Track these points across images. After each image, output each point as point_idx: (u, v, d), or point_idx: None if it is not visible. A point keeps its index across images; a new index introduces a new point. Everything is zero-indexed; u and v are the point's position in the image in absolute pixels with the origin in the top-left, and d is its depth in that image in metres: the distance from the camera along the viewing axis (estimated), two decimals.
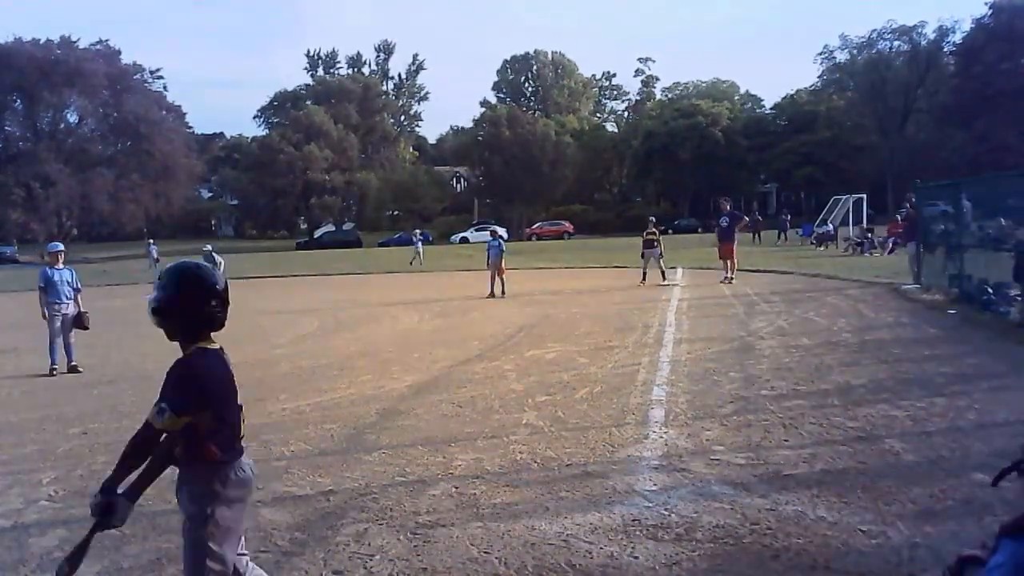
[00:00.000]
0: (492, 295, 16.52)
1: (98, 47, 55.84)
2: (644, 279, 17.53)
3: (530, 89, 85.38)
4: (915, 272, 15.12)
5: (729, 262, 17.02)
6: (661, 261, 17.91)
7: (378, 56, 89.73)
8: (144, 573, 3.70)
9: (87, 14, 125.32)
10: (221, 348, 2.65)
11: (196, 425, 2.43)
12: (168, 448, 2.48)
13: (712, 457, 4.97)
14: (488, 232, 20.18)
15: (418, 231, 37.81)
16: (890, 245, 24.62)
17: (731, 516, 3.99)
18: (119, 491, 2.39)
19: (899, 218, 25.86)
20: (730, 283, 16.30)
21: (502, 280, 16.80)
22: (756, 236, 35.21)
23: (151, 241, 38.92)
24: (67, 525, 4.32)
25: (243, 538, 2.73)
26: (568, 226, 58.81)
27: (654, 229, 17.83)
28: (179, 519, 4.31)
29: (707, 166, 61.18)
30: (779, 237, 35.99)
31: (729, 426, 5.68)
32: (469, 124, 73.72)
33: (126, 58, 57.33)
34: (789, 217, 40.33)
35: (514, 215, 63.62)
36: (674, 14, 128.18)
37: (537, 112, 76.56)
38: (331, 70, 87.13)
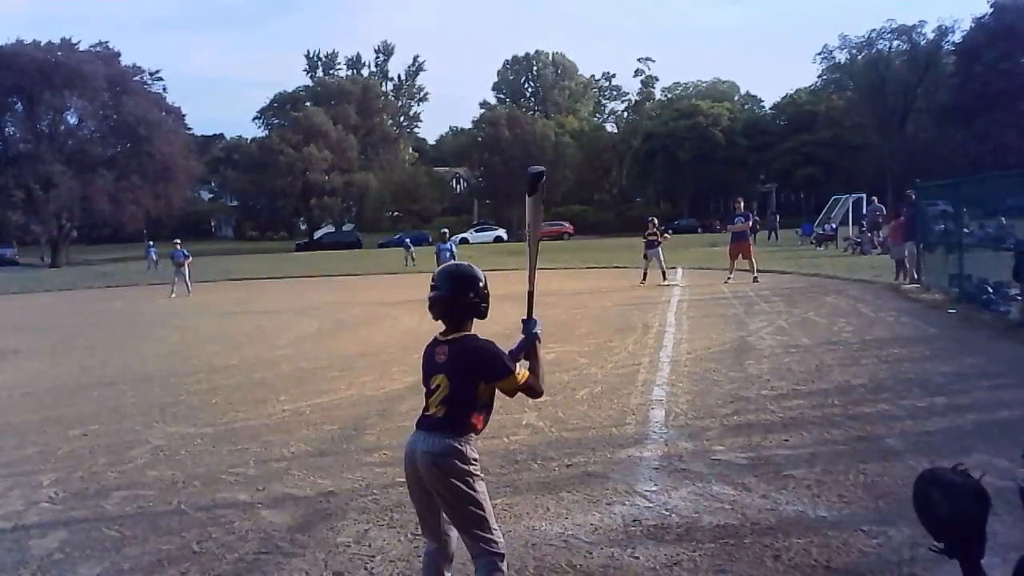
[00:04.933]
0: None
1: (98, 49, 55.88)
2: (644, 279, 17.54)
3: (530, 90, 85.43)
4: (901, 271, 15.14)
5: (748, 261, 17.03)
6: (662, 261, 17.93)
7: (378, 57, 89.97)
8: (145, 575, 3.71)
9: (86, 14, 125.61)
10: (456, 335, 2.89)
11: None
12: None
13: (712, 457, 4.97)
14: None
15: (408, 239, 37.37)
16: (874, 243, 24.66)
17: (731, 516, 4.00)
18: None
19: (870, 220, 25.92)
20: (756, 282, 16.25)
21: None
22: (754, 237, 35.22)
23: (151, 243, 38.89)
24: (67, 527, 4.33)
25: (428, 519, 2.92)
26: (568, 227, 58.86)
27: (655, 229, 17.89)
28: (179, 521, 4.34)
29: (707, 166, 61.22)
30: (769, 237, 35.96)
31: (729, 426, 5.68)
32: (469, 125, 73.87)
33: (126, 59, 57.45)
34: (778, 217, 40.34)
35: (514, 216, 63.61)
36: (674, 14, 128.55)
37: (537, 113, 76.59)
38: (331, 71, 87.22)
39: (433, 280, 2.88)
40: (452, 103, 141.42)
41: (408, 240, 35.13)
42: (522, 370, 2.84)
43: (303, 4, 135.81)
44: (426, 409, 2.84)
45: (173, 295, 20.81)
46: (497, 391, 2.85)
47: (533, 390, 2.89)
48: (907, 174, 38.23)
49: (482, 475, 2.83)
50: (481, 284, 2.87)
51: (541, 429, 5.84)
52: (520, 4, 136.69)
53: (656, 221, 18.49)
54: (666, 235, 18.29)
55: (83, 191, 51.33)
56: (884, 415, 5.78)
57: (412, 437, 2.84)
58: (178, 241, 23.12)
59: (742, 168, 62.90)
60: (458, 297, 2.84)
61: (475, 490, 2.76)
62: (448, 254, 16.97)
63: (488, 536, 2.76)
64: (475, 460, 2.79)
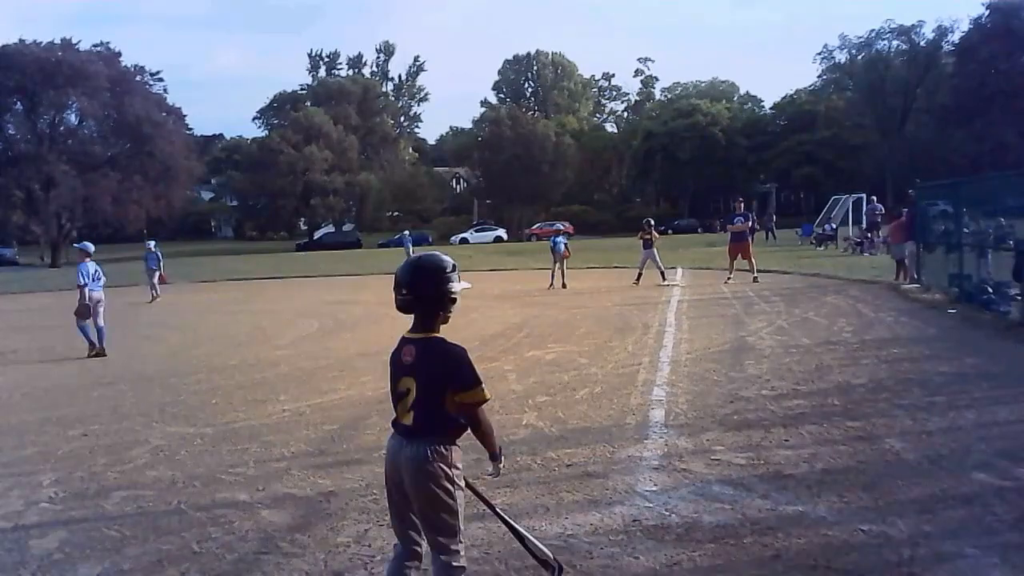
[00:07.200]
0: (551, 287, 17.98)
1: (99, 49, 55.88)
2: (639, 280, 17.56)
3: (530, 89, 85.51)
4: (901, 271, 15.16)
5: (748, 261, 17.07)
6: (659, 261, 17.96)
7: (378, 57, 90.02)
8: (145, 575, 3.70)
9: (86, 15, 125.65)
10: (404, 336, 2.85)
11: None
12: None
13: (712, 457, 4.97)
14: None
15: (406, 232, 37.88)
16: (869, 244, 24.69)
17: (731, 516, 3.99)
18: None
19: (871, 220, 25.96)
20: (756, 281, 16.28)
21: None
22: (752, 237, 35.20)
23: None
24: (67, 527, 4.33)
25: (402, 521, 2.95)
26: (568, 227, 58.81)
27: (649, 230, 17.98)
28: (179, 521, 4.34)
29: (707, 166, 61.32)
30: (767, 237, 35.94)
31: (729, 426, 5.68)
32: (469, 125, 73.95)
33: (127, 59, 57.47)
34: (775, 217, 40.30)
35: (514, 216, 63.64)
36: (673, 14, 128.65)
37: (537, 112, 76.61)
38: (332, 71, 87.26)
39: (396, 278, 2.73)
40: (452, 103, 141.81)
41: (407, 238, 34.52)
42: (486, 390, 2.72)
43: (305, 6, 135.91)
44: (397, 415, 2.77)
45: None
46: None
47: (481, 423, 2.74)
48: (907, 174, 38.28)
49: (462, 485, 2.77)
50: (448, 271, 2.71)
51: (541, 429, 5.84)
52: (520, 4, 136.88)
53: (652, 222, 18.53)
54: (655, 234, 18.22)
55: (84, 191, 51.29)
56: (884, 415, 5.78)
57: (393, 441, 2.83)
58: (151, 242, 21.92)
59: (742, 168, 62.95)
60: (420, 290, 2.69)
61: (453, 499, 2.72)
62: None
63: (452, 548, 2.73)
64: (458, 468, 2.75)
